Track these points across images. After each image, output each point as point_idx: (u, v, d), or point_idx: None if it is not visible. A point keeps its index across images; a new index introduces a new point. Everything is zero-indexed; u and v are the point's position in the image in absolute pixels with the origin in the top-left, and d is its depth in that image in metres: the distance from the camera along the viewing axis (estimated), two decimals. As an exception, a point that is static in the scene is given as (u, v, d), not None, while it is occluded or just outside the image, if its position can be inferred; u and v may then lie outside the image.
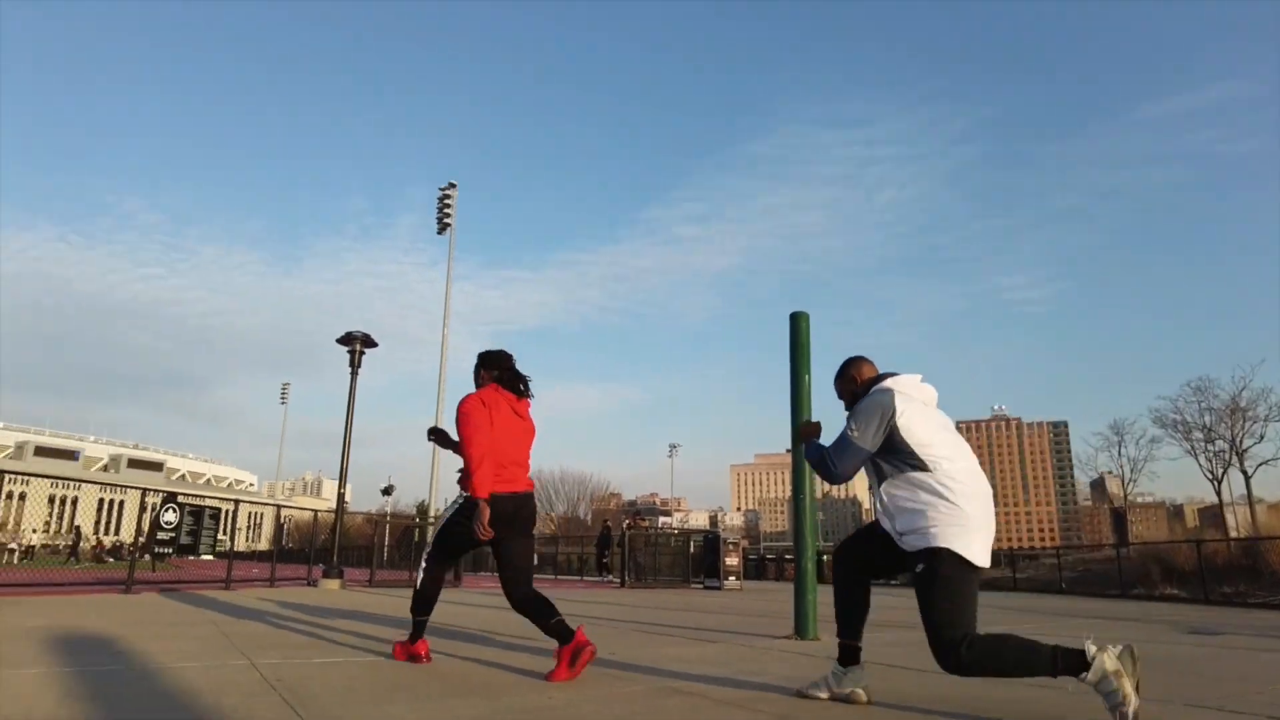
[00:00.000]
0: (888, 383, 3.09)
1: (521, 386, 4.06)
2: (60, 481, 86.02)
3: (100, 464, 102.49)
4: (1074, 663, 2.55)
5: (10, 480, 8.88)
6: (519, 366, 4.13)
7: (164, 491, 11.00)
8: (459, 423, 3.82)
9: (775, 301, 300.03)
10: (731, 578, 16.20)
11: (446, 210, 44.95)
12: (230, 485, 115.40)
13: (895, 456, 2.93)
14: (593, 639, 3.61)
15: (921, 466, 2.88)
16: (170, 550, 10.25)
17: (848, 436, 3.00)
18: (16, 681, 3.23)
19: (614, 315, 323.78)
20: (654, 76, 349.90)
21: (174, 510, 10.13)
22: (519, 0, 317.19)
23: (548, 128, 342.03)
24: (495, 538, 3.72)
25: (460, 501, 3.87)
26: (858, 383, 3.24)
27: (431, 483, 40.65)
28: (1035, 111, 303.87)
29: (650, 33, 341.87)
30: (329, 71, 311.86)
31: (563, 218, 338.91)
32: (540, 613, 3.67)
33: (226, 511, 11.66)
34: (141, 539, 10.28)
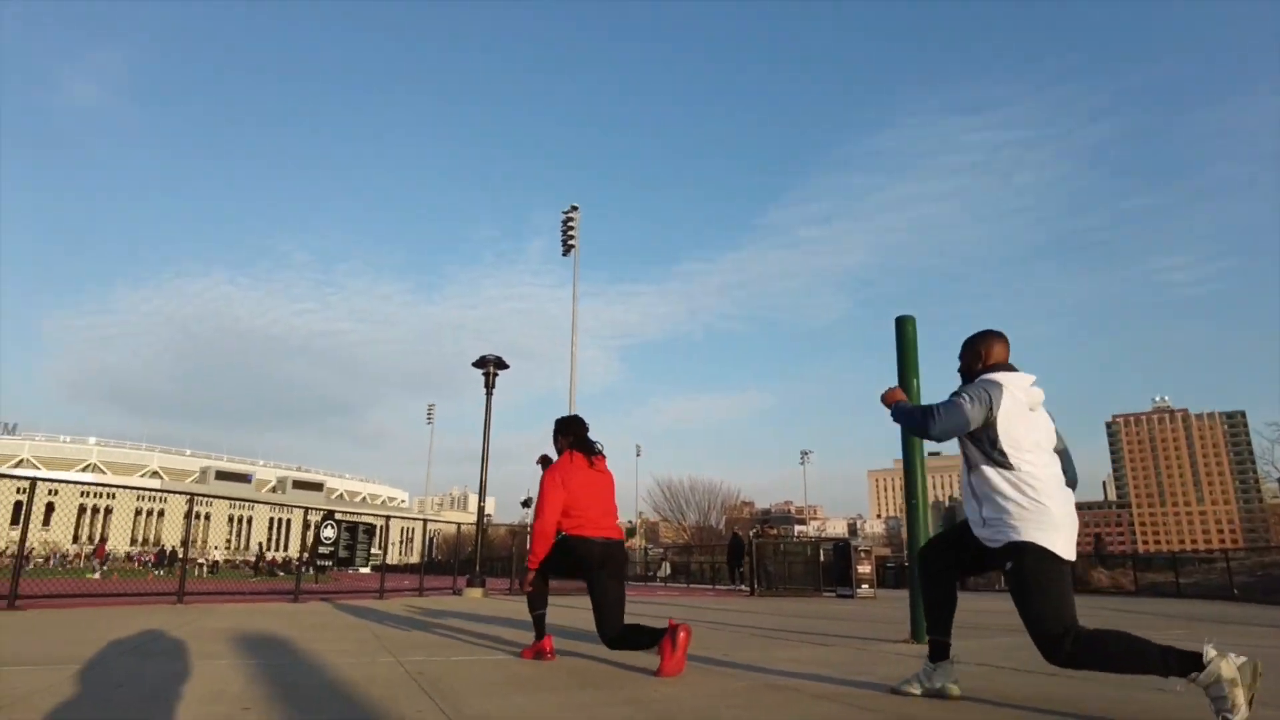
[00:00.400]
0: (999, 377, 3.08)
1: (593, 449, 4.56)
2: (238, 502, 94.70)
3: (269, 486, 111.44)
4: (1188, 664, 2.51)
5: (199, 502, 10.08)
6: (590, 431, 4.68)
7: (323, 510, 12.04)
8: (539, 490, 4.40)
9: (906, 299, 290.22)
10: (864, 585, 15.94)
11: (570, 232, 46.35)
12: (384, 502, 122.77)
13: (986, 446, 3.01)
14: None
15: (1005, 464, 2.95)
16: (330, 563, 11.26)
17: (958, 402, 3.01)
18: (210, 670, 3.85)
19: (738, 322, 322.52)
20: (765, 80, 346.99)
21: (332, 527, 11.12)
22: (623, 16, 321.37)
23: (663, 142, 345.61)
24: (590, 577, 4.22)
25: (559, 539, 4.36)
26: (982, 361, 3.21)
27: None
28: (1187, 75, 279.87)
29: (758, 35, 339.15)
30: (451, 104, 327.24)
31: (683, 229, 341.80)
32: (637, 642, 4.03)
33: (380, 527, 12.67)
34: (305, 554, 11.39)
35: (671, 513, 50.76)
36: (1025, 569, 2.83)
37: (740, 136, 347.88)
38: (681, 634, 3.73)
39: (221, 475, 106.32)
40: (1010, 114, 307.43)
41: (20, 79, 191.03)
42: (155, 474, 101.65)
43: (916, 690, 3.24)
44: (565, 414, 4.81)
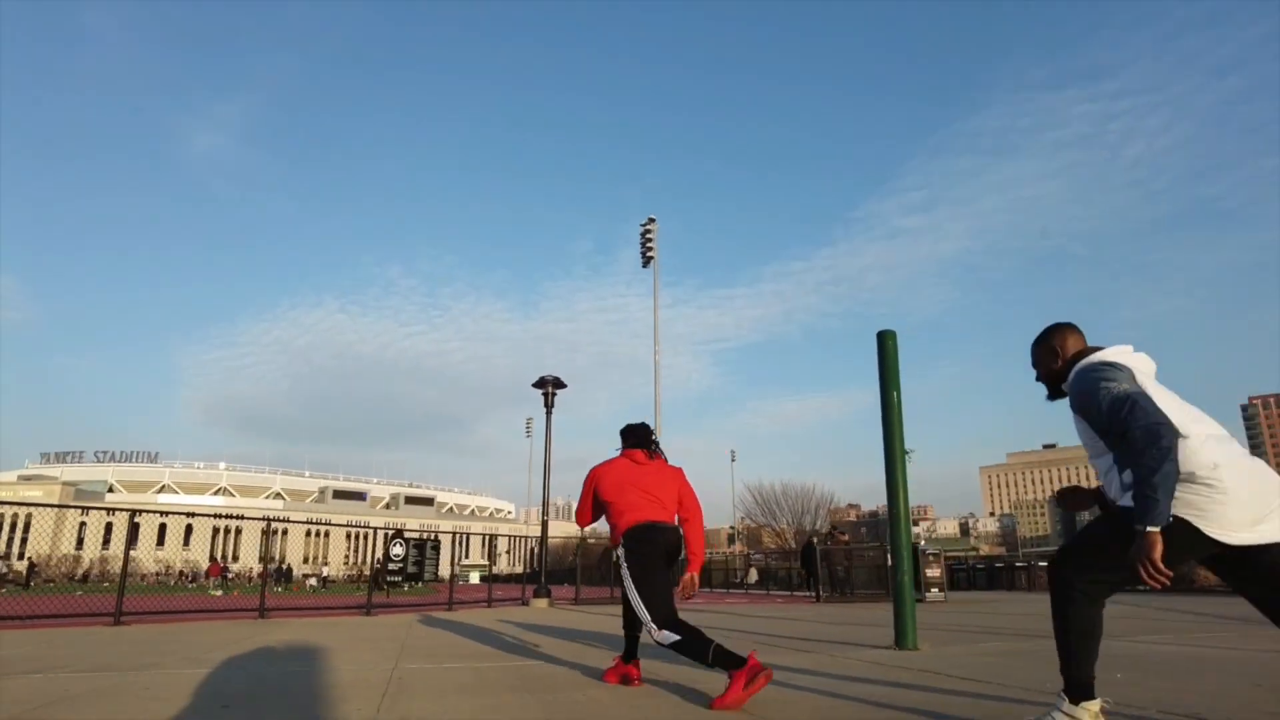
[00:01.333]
0: (1109, 355, 2.63)
1: (639, 445, 4.45)
2: (354, 519, 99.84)
3: (383, 502, 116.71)
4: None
5: (318, 520, 11.03)
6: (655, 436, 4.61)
7: (392, 528, 12.90)
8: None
9: (1015, 283, 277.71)
10: (934, 589, 15.75)
11: (649, 244, 47.10)
12: (491, 514, 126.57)
13: None
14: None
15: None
16: (399, 578, 12.12)
17: (1120, 393, 2.42)
18: (217, 674, 4.49)
19: (836, 319, 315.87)
20: (851, 68, 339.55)
21: (401, 544, 11.97)
22: (704, 13, 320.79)
23: (750, 140, 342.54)
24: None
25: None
26: (1060, 356, 2.77)
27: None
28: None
29: (842, 22, 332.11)
30: (541, 124, 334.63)
31: (774, 228, 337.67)
32: (690, 648, 3.68)
33: (456, 538, 13.50)
34: (376, 569, 12.31)
35: (764, 518, 50.49)
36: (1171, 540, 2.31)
37: (830, 129, 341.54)
38: (761, 679, 3.40)
39: (339, 494, 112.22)
40: (1119, 82, 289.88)
41: (147, 130, 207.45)
42: (278, 495, 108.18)
43: None
44: (633, 422, 4.65)
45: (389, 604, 12.58)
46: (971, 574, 26.38)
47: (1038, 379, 2.92)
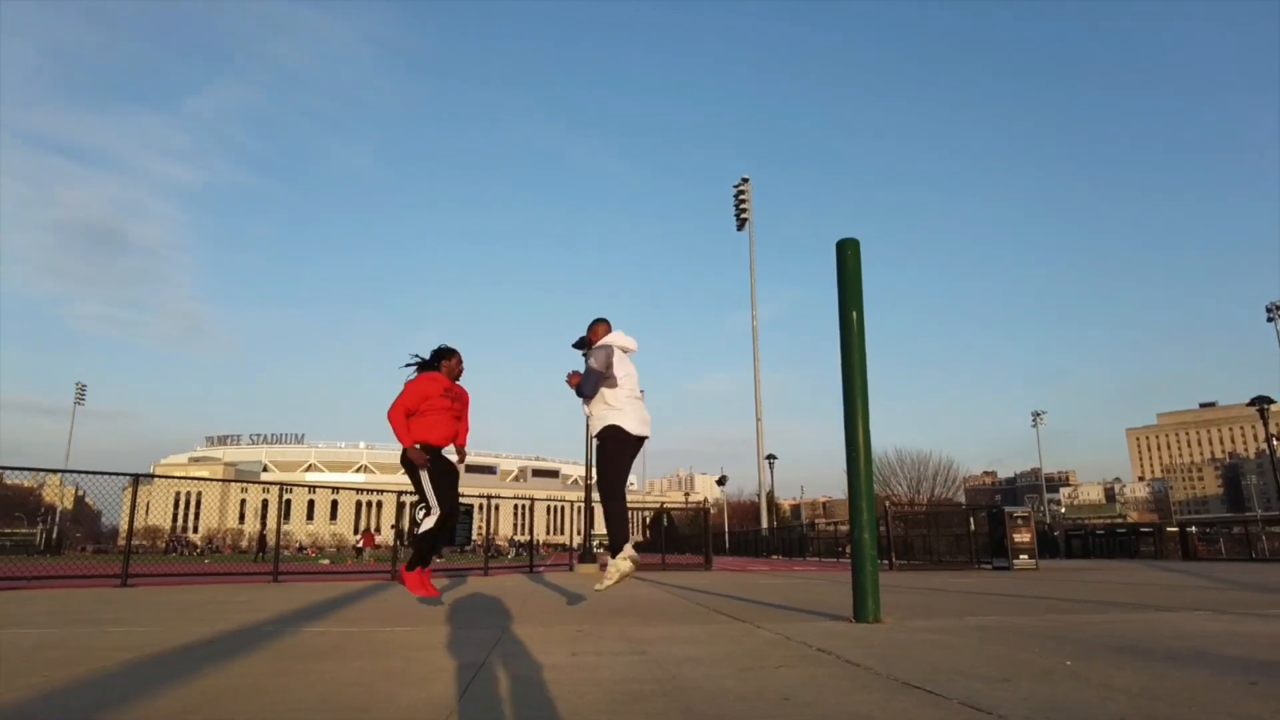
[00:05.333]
0: None
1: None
2: (484, 492, 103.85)
3: (512, 475, 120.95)
4: None
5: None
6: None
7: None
8: None
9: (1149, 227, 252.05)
10: (1022, 555, 14.23)
11: (743, 205, 45.70)
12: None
13: None
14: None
15: None
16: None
17: None
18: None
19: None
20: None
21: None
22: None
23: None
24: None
25: None
26: None
27: (759, 469, 41.41)
28: None
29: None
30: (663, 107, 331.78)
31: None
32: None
33: (480, 506, 13.25)
34: (406, 535, 12.23)
35: (878, 487, 48.46)
36: None
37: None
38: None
39: (470, 469, 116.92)
40: None
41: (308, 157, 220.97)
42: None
43: None
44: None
45: (497, 567, 12.72)
46: (1089, 540, 24.04)
47: None
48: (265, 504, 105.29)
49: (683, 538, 22.99)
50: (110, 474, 10.37)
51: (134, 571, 9.43)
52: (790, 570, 15.43)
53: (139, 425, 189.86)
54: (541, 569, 14.00)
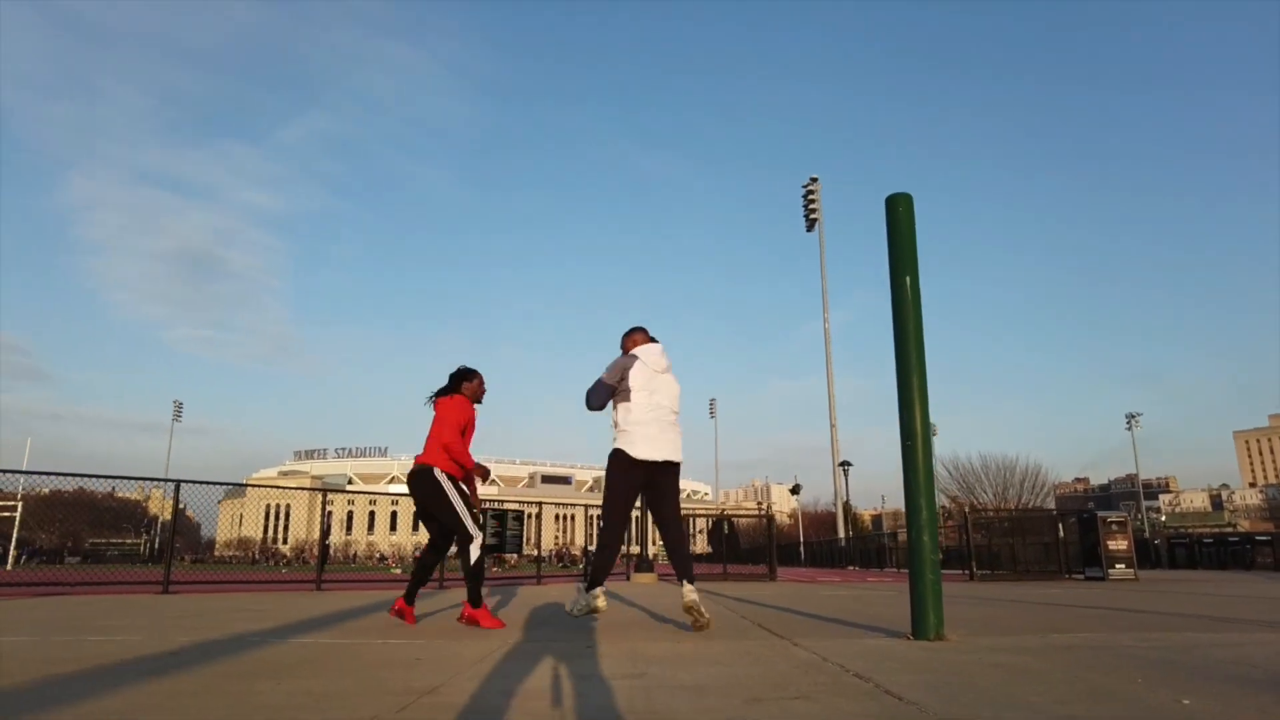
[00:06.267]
0: None
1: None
2: (562, 501, 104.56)
3: (587, 485, 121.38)
4: None
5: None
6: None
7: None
8: None
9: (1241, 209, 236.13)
10: (1119, 565, 13.02)
11: (812, 205, 44.61)
12: (688, 495, 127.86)
13: None
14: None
15: None
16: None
17: None
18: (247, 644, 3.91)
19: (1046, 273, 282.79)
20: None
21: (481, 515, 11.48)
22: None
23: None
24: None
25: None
26: None
27: (834, 478, 40.19)
28: None
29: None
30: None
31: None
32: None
33: (529, 515, 12.90)
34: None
35: (962, 494, 46.28)
36: None
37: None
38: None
39: (546, 479, 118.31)
40: None
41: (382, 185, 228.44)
42: (493, 482, 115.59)
43: None
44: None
45: (554, 575, 12.38)
46: (1195, 549, 22.15)
47: None
48: (350, 515, 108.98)
49: (750, 548, 22.19)
50: (209, 483, 10.77)
51: (176, 579, 9.39)
52: (863, 581, 14.55)
53: (231, 441, 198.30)
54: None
